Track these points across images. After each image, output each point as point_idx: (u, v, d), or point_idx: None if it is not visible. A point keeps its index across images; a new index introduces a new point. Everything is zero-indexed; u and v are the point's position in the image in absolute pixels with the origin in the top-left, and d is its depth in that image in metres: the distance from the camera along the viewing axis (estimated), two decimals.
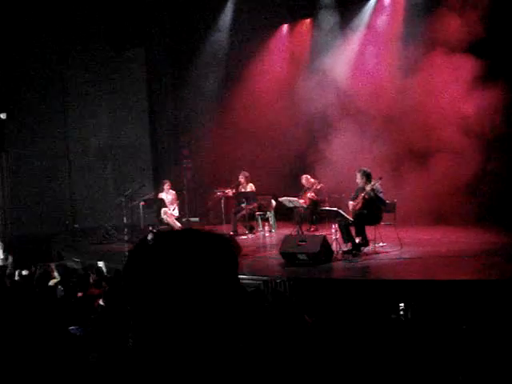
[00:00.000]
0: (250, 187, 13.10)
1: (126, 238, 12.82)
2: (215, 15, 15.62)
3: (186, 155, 16.55)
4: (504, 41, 11.60)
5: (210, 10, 15.34)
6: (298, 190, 12.84)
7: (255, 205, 12.99)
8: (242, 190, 13.09)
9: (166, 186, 14.02)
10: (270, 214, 13.23)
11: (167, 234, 1.89)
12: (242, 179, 13.15)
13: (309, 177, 12.78)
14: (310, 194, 12.44)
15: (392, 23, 13.64)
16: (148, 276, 1.76)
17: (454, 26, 12.03)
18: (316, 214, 12.41)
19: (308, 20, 15.14)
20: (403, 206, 10.59)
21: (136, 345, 1.78)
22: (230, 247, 1.81)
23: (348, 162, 12.38)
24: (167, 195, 13.96)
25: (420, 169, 12.34)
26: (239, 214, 12.95)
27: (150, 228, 13.32)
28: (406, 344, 4.91)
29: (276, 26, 15.45)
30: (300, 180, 12.85)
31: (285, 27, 15.55)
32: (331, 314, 6.44)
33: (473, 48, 11.92)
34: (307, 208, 12.30)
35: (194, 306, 1.75)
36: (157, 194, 13.90)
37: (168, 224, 13.82)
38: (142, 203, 13.32)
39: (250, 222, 13.08)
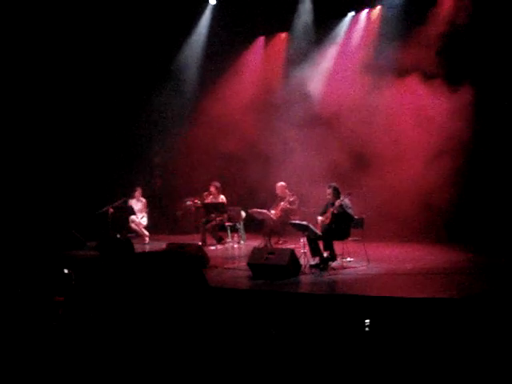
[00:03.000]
0: (221, 198, 13.10)
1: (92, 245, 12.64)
2: (191, 25, 15.66)
3: (157, 163, 16.52)
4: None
5: (186, 20, 15.36)
6: (271, 200, 12.83)
7: (225, 216, 12.98)
8: (213, 201, 13.07)
9: (137, 194, 13.94)
10: (240, 226, 13.23)
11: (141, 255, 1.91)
12: (212, 189, 13.14)
13: (284, 185, 12.71)
14: (282, 204, 12.45)
15: (366, 40, 13.86)
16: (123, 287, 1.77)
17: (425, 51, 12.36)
18: (285, 226, 12.42)
19: (284, 34, 15.27)
20: (370, 220, 10.69)
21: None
22: (193, 265, 1.83)
23: (313, 174, 12.61)
24: (137, 202, 13.88)
25: (384, 183, 12.54)
26: (208, 225, 12.93)
27: (118, 236, 13.23)
28: (367, 358, 4.95)
29: (252, 39, 15.54)
30: (275, 188, 12.77)
31: (261, 40, 15.65)
32: (296, 327, 6.45)
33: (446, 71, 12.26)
34: (277, 220, 12.31)
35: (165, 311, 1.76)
36: (126, 201, 13.79)
37: (135, 232, 13.74)
38: (110, 210, 13.20)
39: (219, 233, 13.06)
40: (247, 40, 15.47)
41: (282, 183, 12.72)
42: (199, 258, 9.83)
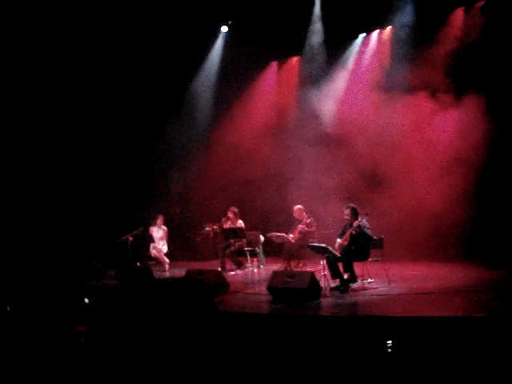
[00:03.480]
0: (239, 223, 13.11)
1: (112, 274, 12.71)
2: (204, 53, 15.84)
3: (175, 191, 16.62)
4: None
5: (199, 48, 15.55)
6: (289, 224, 12.81)
7: (244, 240, 12.98)
8: (231, 226, 13.08)
9: (159, 221, 14.02)
10: (259, 250, 13.22)
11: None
12: (230, 215, 13.16)
13: (301, 208, 12.66)
14: (299, 227, 12.42)
15: (377, 61, 13.95)
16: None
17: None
18: (304, 249, 12.38)
19: (296, 57, 15.39)
20: (386, 240, 10.64)
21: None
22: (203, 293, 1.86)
23: (329, 195, 12.69)
24: (159, 230, 13.95)
25: (397, 202, 12.52)
26: (227, 250, 12.94)
27: (137, 264, 13.28)
28: (390, 380, 4.89)
29: (265, 64, 15.68)
30: (293, 212, 12.73)
31: (273, 65, 15.78)
32: (318, 351, 6.41)
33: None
34: (296, 243, 12.27)
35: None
36: (147, 229, 13.85)
37: (156, 259, 13.78)
38: (130, 238, 13.26)
39: (238, 258, 13.05)
40: (260, 65, 15.61)
41: (300, 206, 12.68)
42: (217, 284, 9.82)
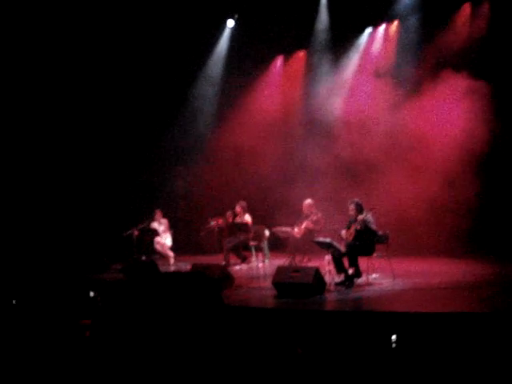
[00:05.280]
0: (247, 217, 13.07)
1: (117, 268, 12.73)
2: (211, 45, 15.82)
3: (180, 185, 16.63)
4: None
5: (206, 41, 15.53)
6: (295, 218, 12.78)
7: (250, 235, 12.95)
8: (239, 220, 13.07)
9: (158, 216, 14.02)
10: (264, 244, 13.20)
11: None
12: (238, 209, 13.14)
13: (312, 203, 12.49)
14: (305, 223, 12.36)
15: (384, 55, 13.91)
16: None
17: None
18: (309, 244, 12.35)
19: (302, 51, 15.35)
20: (392, 235, 10.63)
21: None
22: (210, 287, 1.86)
23: (335, 189, 12.83)
24: (160, 224, 13.96)
25: (403, 196, 12.51)
26: (232, 244, 12.92)
27: (143, 258, 13.31)
28: (395, 375, 4.89)
29: (271, 58, 15.65)
30: (301, 206, 12.60)
31: (280, 58, 15.75)
32: (323, 345, 6.41)
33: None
34: (301, 238, 12.26)
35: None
36: (150, 223, 13.87)
37: (161, 253, 13.81)
38: (135, 232, 13.29)
39: (243, 252, 13.06)
40: (266, 59, 15.58)
41: (310, 201, 12.50)
42: (222, 278, 9.84)
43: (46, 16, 13.30)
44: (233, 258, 12.98)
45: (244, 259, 12.97)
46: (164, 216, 14.11)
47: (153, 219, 13.99)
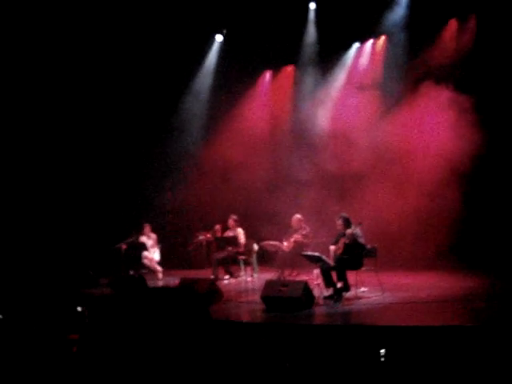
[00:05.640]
0: (240, 231, 13.05)
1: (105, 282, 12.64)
2: (199, 60, 15.87)
3: (169, 199, 16.59)
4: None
5: (194, 55, 15.58)
6: (283, 232, 12.78)
7: (240, 249, 12.91)
8: (231, 234, 13.04)
9: (146, 230, 13.97)
10: (252, 258, 13.18)
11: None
12: (231, 222, 13.11)
13: (301, 218, 12.56)
14: (295, 236, 12.37)
15: (371, 70, 14.04)
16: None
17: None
18: (298, 258, 12.33)
19: (290, 66, 15.44)
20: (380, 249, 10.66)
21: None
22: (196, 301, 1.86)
23: (323, 204, 12.90)
24: (148, 238, 13.90)
25: (390, 210, 12.58)
26: (220, 258, 12.87)
27: (131, 272, 13.23)
28: None
29: (259, 73, 15.72)
30: (291, 220, 12.64)
31: (268, 74, 15.82)
32: (312, 360, 6.39)
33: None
34: (290, 252, 12.25)
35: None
36: (138, 237, 13.81)
37: (149, 268, 13.74)
38: (123, 247, 13.22)
39: (232, 266, 13.01)
40: (255, 74, 15.65)
41: (299, 216, 12.58)
42: (210, 293, 9.80)
43: (39, 13, 13.26)
44: (221, 273, 12.93)
45: (231, 274, 12.93)
46: (152, 230, 14.07)
47: (141, 233, 13.93)
